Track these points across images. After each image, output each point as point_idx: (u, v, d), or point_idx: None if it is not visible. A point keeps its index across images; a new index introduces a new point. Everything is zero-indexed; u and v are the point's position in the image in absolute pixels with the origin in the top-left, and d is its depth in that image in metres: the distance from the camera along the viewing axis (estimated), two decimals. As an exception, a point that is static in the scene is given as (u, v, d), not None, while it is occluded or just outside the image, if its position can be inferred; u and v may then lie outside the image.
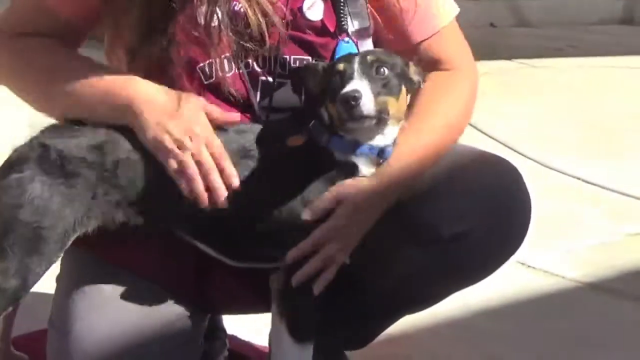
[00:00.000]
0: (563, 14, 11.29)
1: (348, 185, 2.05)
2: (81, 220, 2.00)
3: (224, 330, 2.66)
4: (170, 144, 2.00)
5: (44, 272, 2.01)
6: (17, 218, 1.95)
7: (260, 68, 2.17)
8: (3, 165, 2.03)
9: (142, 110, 2.03)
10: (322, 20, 2.19)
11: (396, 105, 2.02)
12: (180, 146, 2.00)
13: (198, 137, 2.01)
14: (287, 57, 2.17)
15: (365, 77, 1.98)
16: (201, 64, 2.13)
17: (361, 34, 2.23)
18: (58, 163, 1.98)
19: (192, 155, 2.00)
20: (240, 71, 2.15)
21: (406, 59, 2.09)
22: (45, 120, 2.12)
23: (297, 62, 2.17)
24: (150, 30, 2.09)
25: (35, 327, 2.55)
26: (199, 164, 2.00)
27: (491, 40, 9.21)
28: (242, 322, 2.73)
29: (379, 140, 2.05)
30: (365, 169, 2.06)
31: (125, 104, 2.04)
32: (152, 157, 2.03)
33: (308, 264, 2.03)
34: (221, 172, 2.02)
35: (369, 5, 2.22)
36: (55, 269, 2.18)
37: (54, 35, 2.17)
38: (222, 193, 2.01)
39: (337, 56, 2.15)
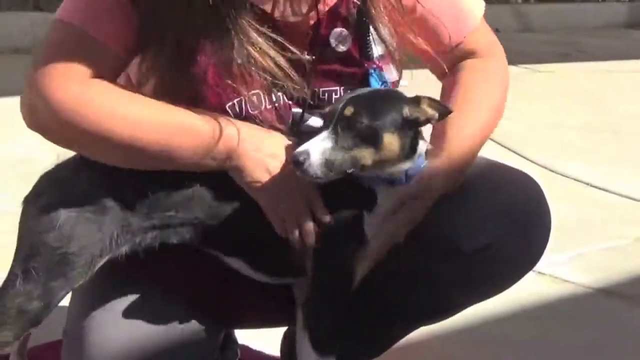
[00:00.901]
0: (567, 19, 11.30)
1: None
2: (110, 247, 2.00)
3: (236, 341, 2.66)
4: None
5: (66, 294, 2.01)
6: (44, 242, 1.96)
7: (290, 100, 2.14)
8: (31, 190, 2.04)
9: (245, 166, 2.03)
10: (348, 50, 2.16)
11: (378, 156, 1.96)
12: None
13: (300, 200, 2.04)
14: (317, 89, 2.15)
15: (333, 131, 1.94)
16: (230, 103, 2.08)
17: (384, 59, 2.21)
18: (87, 189, 1.99)
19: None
20: (270, 106, 2.12)
21: (417, 98, 2.02)
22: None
23: (327, 94, 2.16)
24: (181, 68, 2.05)
25: (49, 338, 2.55)
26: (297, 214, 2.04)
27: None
28: (253, 333, 2.72)
29: (395, 170, 2.03)
30: (383, 197, 2.05)
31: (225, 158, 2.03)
32: (178, 179, 2.02)
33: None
34: (313, 216, 2.05)
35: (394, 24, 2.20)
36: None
37: (108, 76, 2.04)
38: (313, 238, 2.04)
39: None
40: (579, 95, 7.10)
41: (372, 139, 1.95)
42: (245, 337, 2.73)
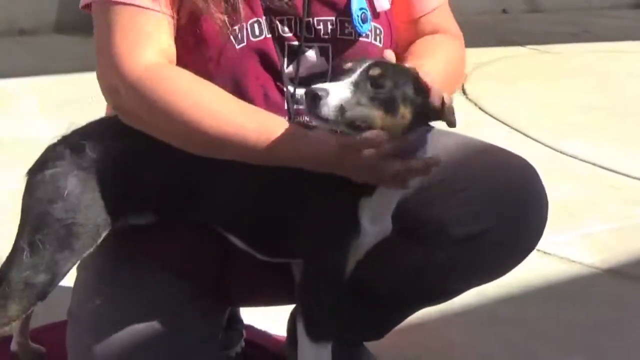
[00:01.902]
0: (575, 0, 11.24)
1: None
2: (114, 217, 2.01)
3: (241, 321, 2.66)
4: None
5: (72, 267, 2.02)
6: (50, 214, 1.96)
7: (287, 33, 2.14)
8: (36, 161, 2.04)
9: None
10: None
11: (388, 121, 1.93)
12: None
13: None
14: (311, 19, 2.15)
15: (354, 84, 1.91)
16: (232, 28, 2.09)
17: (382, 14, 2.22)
18: (93, 159, 1.98)
19: None
20: (270, 36, 2.12)
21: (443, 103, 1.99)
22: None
23: (322, 24, 2.16)
24: None
25: (50, 319, 2.55)
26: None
27: (503, 26, 9.18)
28: (258, 312, 2.72)
29: None
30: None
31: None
32: (185, 154, 2.01)
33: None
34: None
35: None
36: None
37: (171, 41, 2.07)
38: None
39: (351, 6, 2.14)
40: (587, 76, 7.07)
41: (389, 105, 1.92)
42: (251, 317, 2.74)
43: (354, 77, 1.92)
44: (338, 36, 2.18)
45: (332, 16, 2.17)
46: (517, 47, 8.08)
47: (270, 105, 2.10)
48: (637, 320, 3.19)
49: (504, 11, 10.38)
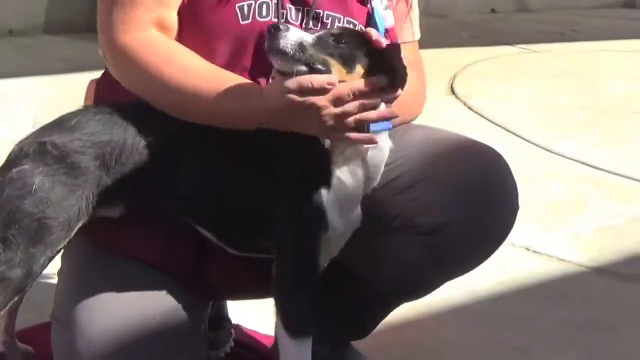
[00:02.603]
0: (564, -1, 11.27)
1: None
2: (86, 209, 2.01)
3: (229, 320, 2.66)
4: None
5: (48, 262, 2.02)
6: (21, 209, 1.97)
7: (294, 20, 2.16)
8: (6, 160, 2.05)
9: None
10: None
11: (344, 74, 1.98)
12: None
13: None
14: (321, 11, 2.18)
15: (317, 36, 1.99)
16: (240, 3, 2.12)
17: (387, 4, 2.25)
18: (57, 155, 2.00)
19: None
20: (275, 19, 2.13)
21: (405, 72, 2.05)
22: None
23: (330, 18, 2.18)
24: None
25: (39, 319, 2.55)
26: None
27: (492, 25, 9.20)
28: (247, 312, 2.72)
29: None
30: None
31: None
32: (152, 141, 2.04)
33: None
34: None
35: None
36: (57, 262, 2.17)
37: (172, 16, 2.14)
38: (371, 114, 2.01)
39: (374, 23, 2.18)
40: (575, 75, 7.09)
41: (347, 59, 1.98)
42: (240, 316, 2.74)
43: (319, 33, 2.00)
44: None
45: (342, 15, 2.20)
46: (505, 47, 8.10)
47: None
48: (626, 318, 3.20)
49: (493, 11, 10.39)
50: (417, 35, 2.42)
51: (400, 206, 2.13)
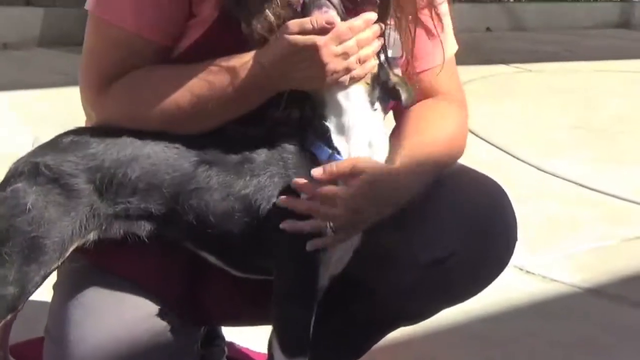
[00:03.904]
0: (559, 19, 11.31)
1: (369, 159, 2.03)
2: (79, 231, 2.01)
3: (222, 337, 2.65)
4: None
5: (42, 281, 2.02)
6: (15, 227, 1.97)
7: None
8: (3, 179, 2.05)
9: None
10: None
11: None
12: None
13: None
14: None
15: None
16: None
17: (393, 62, 2.21)
18: (50, 176, 2.00)
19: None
20: None
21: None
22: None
23: None
24: None
25: (32, 334, 2.54)
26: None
27: (487, 44, 9.22)
28: (240, 329, 2.72)
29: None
30: None
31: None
32: (150, 166, 2.03)
33: (306, 223, 2.01)
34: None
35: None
36: (53, 277, 2.17)
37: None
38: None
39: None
40: (569, 95, 7.11)
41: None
42: (233, 334, 2.73)
43: None
44: None
45: None
46: (500, 66, 8.12)
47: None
48: (617, 339, 3.20)
49: (488, 29, 10.42)
50: (453, 48, 2.34)
51: (401, 238, 2.12)
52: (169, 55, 2.14)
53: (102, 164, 2.02)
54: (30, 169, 2.01)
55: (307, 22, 1.98)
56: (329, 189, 1.99)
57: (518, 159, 5.25)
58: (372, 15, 2.04)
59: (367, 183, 2.00)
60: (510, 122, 6.09)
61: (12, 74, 6.44)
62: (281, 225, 2.00)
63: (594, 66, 8.47)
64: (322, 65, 1.99)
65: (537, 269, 3.68)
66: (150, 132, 2.07)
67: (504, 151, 5.37)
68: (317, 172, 2.00)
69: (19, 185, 1.99)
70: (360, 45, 2.02)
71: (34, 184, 1.99)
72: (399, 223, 2.09)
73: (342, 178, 2.00)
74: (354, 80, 2.04)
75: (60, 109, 4.87)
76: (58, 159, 2.01)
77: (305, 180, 2.00)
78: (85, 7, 2.14)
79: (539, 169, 5.11)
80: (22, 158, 2.05)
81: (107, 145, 2.04)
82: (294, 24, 1.98)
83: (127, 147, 2.04)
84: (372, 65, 2.06)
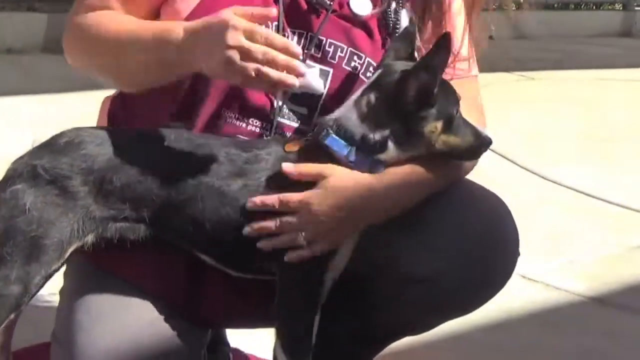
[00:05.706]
0: (562, 27, 11.31)
1: (341, 169, 2.02)
2: (77, 233, 2.02)
3: (227, 344, 2.65)
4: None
5: (44, 281, 2.03)
6: (14, 227, 1.98)
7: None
8: (2, 180, 2.06)
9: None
10: (367, 19, 2.20)
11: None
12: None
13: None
14: (324, 38, 2.16)
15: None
16: None
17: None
18: (48, 178, 2.01)
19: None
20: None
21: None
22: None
23: (332, 47, 2.16)
24: None
25: (37, 339, 2.54)
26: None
27: (490, 52, 9.20)
28: (245, 335, 2.71)
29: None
30: None
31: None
32: (146, 168, 2.03)
33: (277, 238, 2.01)
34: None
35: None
36: (58, 281, 2.17)
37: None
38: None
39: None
40: (573, 103, 7.11)
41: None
42: (238, 340, 2.73)
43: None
44: (343, 65, 2.18)
45: (345, 45, 2.18)
46: (503, 74, 8.12)
47: (252, 111, 2.13)
48: (622, 348, 3.19)
49: (490, 37, 10.41)
50: (474, 72, 2.38)
51: (398, 253, 2.11)
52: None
53: (97, 165, 2.02)
54: (29, 170, 2.02)
55: (250, 9, 1.94)
56: (285, 195, 1.99)
57: (521, 166, 5.25)
58: (297, 48, 1.96)
59: (324, 188, 2.00)
60: (513, 130, 6.09)
61: (15, 80, 6.45)
62: (258, 245, 2.02)
63: (597, 74, 8.47)
64: (222, 42, 1.90)
65: (541, 277, 3.67)
66: (145, 134, 2.09)
67: (507, 159, 5.37)
68: (288, 167, 2.00)
69: (18, 186, 2.01)
70: (267, 59, 1.90)
71: (32, 185, 2.01)
72: (397, 235, 2.09)
73: (310, 179, 2.01)
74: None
75: (63, 114, 4.88)
76: (53, 161, 2.03)
77: (260, 198, 2.00)
78: None
79: (542, 177, 5.10)
80: (19, 159, 2.06)
81: (106, 147, 2.04)
82: (240, 7, 1.93)
83: (124, 150, 2.04)
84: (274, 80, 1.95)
